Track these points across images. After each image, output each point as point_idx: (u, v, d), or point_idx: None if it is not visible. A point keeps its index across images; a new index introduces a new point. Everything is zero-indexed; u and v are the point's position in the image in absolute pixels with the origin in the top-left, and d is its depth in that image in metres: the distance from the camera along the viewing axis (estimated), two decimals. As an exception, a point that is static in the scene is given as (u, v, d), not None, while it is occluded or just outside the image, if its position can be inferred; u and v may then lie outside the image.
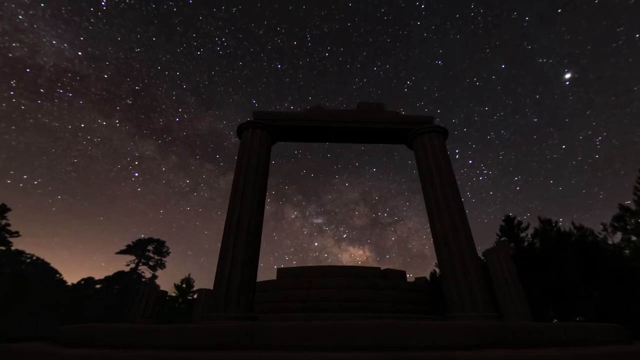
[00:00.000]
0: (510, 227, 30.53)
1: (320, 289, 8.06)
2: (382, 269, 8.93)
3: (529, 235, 28.38)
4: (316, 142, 9.03)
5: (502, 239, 30.40)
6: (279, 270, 8.78)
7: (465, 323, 4.28)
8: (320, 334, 3.95)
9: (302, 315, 7.26)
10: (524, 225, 29.82)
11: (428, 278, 36.08)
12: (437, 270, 34.75)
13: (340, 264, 8.79)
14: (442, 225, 6.91)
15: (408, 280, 10.19)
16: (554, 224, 27.42)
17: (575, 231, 25.93)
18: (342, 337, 3.90)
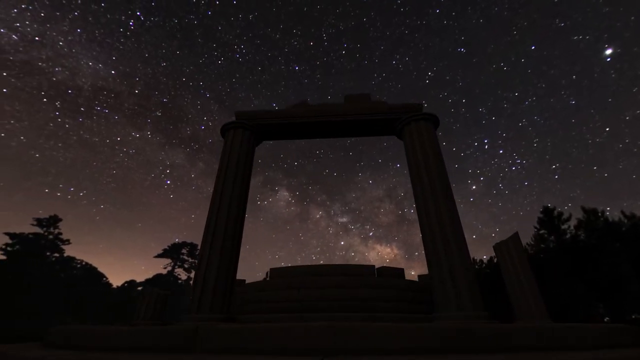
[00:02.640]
0: (549, 219, 28.14)
1: (312, 288, 7.86)
2: (377, 267, 8.51)
3: (572, 227, 25.91)
4: (303, 139, 8.85)
5: (541, 232, 28.14)
6: (272, 270, 8.72)
7: (428, 325, 3.88)
8: (263, 337, 3.78)
9: (291, 315, 7.11)
10: (565, 216, 27.27)
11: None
12: (470, 267, 32.92)
13: (334, 263, 8.52)
14: (429, 218, 6.41)
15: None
16: (600, 214, 24.80)
17: (626, 220, 23.23)
18: (284, 341, 3.71)
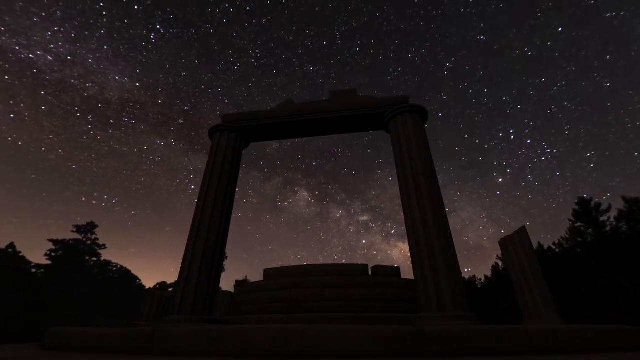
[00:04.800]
0: (586, 210, 26.18)
1: (303, 288, 7.75)
2: (371, 265, 8.25)
3: (612, 219, 23.89)
4: (291, 138, 8.77)
5: (577, 224, 26.22)
6: (265, 270, 8.71)
7: (377, 328, 3.64)
8: (216, 339, 3.76)
9: (280, 316, 7.07)
10: (603, 207, 25.28)
11: (490, 272, 32.59)
12: (500, 264, 31.47)
13: (325, 263, 8.37)
14: (412, 213, 6.08)
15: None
16: (644, 203, 22.60)
17: (674, 210, 20.99)
18: (236, 344, 3.66)
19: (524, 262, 7.80)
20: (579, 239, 25.78)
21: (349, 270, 7.96)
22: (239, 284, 9.96)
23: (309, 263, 8.39)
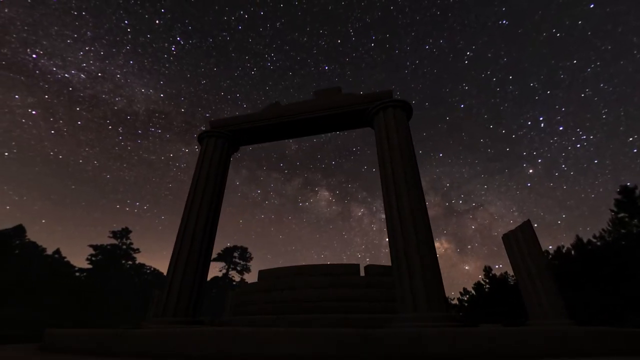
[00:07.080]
0: (630, 199, 24.06)
1: (295, 289, 7.73)
2: (365, 265, 8.06)
3: (661, 208, 21.68)
4: (279, 140, 8.77)
5: (620, 215, 24.04)
6: (260, 272, 8.79)
7: (331, 331, 3.51)
8: (167, 342, 3.86)
9: (271, 317, 7.11)
10: (651, 195, 23.03)
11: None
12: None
13: (322, 263, 8.30)
14: (391, 209, 5.85)
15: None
16: (698, 189, 20.27)
17: None
18: (182, 347, 3.73)
19: (527, 259, 7.27)
20: (623, 231, 23.70)
21: (341, 270, 7.84)
22: (239, 285, 10.15)
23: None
